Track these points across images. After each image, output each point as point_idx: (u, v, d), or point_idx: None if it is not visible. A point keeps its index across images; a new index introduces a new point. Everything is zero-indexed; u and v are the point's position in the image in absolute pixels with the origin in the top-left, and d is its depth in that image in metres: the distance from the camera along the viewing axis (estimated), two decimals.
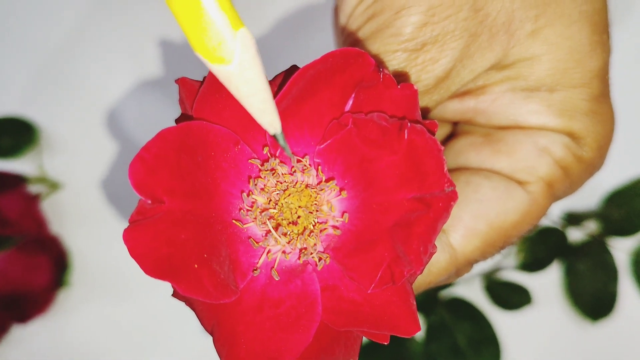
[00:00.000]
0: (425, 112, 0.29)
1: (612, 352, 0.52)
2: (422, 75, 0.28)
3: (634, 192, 0.51)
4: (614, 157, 0.32)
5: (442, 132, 0.34)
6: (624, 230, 0.51)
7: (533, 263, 0.51)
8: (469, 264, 0.29)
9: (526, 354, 0.51)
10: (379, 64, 0.27)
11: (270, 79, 0.25)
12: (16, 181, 0.49)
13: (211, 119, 0.25)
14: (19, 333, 0.50)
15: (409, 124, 0.24)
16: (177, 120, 0.26)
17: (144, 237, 0.23)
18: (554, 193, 0.29)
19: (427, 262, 0.24)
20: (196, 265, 0.23)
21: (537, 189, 0.29)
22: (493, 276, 0.52)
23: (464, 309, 0.50)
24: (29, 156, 0.51)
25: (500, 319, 0.50)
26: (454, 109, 0.31)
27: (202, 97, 0.25)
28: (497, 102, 0.30)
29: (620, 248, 0.52)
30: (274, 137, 0.23)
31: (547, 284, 0.52)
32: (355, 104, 0.25)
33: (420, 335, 0.50)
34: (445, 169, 0.24)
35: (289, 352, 0.24)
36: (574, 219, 0.52)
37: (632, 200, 0.51)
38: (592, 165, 0.30)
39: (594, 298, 0.51)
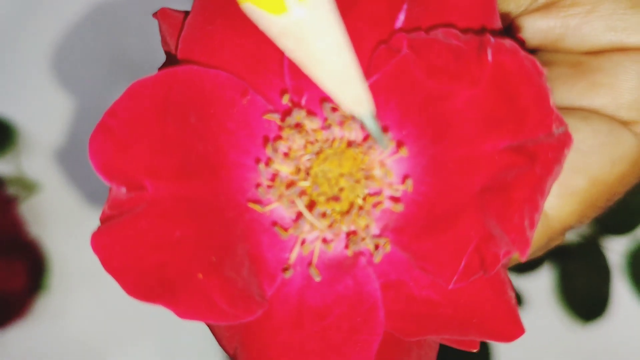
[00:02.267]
0: (507, 20, 0.21)
1: (604, 354, 0.51)
2: None
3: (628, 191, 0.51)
4: None
5: None
6: (618, 229, 0.50)
7: (524, 264, 0.48)
8: (564, 231, 0.22)
9: (517, 356, 0.49)
10: None
11: None
12: None
13: (205, 60, 0.17)
14: None
15: (492, 40, 0.16)
16: (160, 69, 0.19)
17: (120, 243, 0.16)
18: None
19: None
20: (201, 275, 0.16)
21: None
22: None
23: None
24: (7, 158, 0.50)
25: None
26: (536, 27, 0.24)
27: (190, 31, 0.18)
28: (593, 13, 0.23)
29: (614, 249, 0.50)
30: (361, 120, 0.16)
31: (539, 286, 0.51)
32: (409, 17, 0.17)
33: None
34: (552, 101, 0.16)
35: None
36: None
37: (625, 200, 0.51)
38: None
39: (586, 299, 0.50)
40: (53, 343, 0.49)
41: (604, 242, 0.50)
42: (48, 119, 0.51)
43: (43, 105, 0.51)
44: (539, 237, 0.22)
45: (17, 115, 0.50)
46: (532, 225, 0.16)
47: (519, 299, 0.48)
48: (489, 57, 0.16)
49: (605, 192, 0.23)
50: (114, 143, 0.15)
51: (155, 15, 0.19)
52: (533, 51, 0.26)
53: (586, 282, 0.50)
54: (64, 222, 0.50)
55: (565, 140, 0.16)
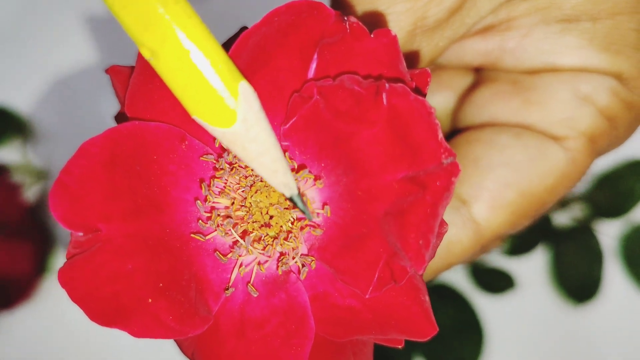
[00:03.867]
0: (414, 58, 0.23)
1: (596, 336, 0.51)
2: (430, 9, 0.22)
3: (620, 174, 0.51)
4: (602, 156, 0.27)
5: (462, 81, 0.28)
6: (611, 212, 0.50)
7: (517, 247, 0.50)
8: (498, 238, 0.25)
9: (510, 338, 0.51)
10: (343, 12, 0.21)
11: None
12: None
13: (148, 114, 0.20)
14: (5, 320, 0.50)
15: (386, 85, 0.19)
16: (115, 118, 0.22)
17: (82, 276, 0.19)
18: (597, 149, 0.24)
19: (431, 257, 0.19)
20: (150, 300, 0.19)
21: (576, 145, 0.24)
22: (477, 260, 0.51)
23: (448, 294, 0.49)
24: (13, 146, 0.50)
25: (484, 304, 0.50)
26: (476, 49, 0.25)
27: (134, 89, 0.20)
28: (527, 38, 0.24)
29: (607, 232, 0.51)
30: (290, 199, 0.19)
31: (532, 268, 0.51)
32: (319, 66, 0.20)
33: None
34: (440, 135, 0.19)
35: None
36: (560, 202, 0.51)
37: (618, 183, 0.50)
38: None
39: (579, 282, 0.50)
40: (58, 323, 0.50)
41: (597, 225, 0.51)
42: (53, 108, 0.51)
43: (48, 93, 0.52)
44: (471, 245, 0.25)
45: (23, 104, 0.51)
46: (427, 244, 0.19)
47: (512, 281, 0.49)
48: (384, 101, 0.19)
49: (535, 204, 0.25)
50: (69, 197, 0.18)
51: (107, 71, 0.22)
52: (478, 70, 0.28)
53: (579, 265, 0.50)
54: None
55: (452, 170, 0.18)
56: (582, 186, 0.52)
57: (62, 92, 0.51)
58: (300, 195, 0.20)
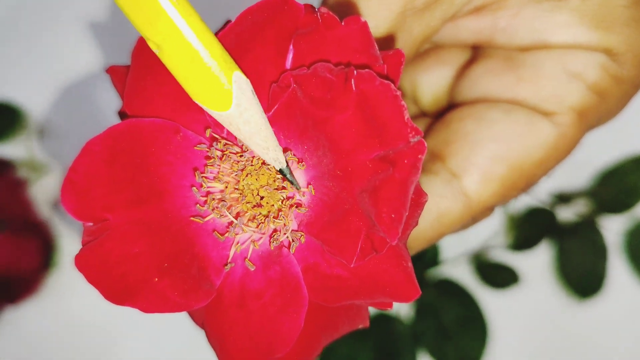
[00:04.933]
0: (390, 42, 0.24)
1: (600, 331, 0.51)
2: None
3: (624, 169, 0.50)
4: (604, 134, 0.28)
5: (460, 57, 0.29)
6: (615, 208, 0.51)
7: (521, 242, 0.50)
8: (488, 210, 0.26)
9: (514, 333, 0.51)
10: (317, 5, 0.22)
11: None
12: (4, 166, 0.50)
13: (144, 110, 0.22)
14: (11, 315, 0.51)
15: (354, 72, 0.20)
16: (118, 113, 0.24)
17: (95, 261, 0.21)
18: (587, 122, 0.25)
19: (413, 226, 0.21)
20: (156, 279, 0.21)
21: (566, 120, 0.24)
22: (481, 255, 0.51)
23: (452, 289, 0.49)
24: (18, 141, 0.51)
25: (488, 299, 0.50)
26: (469, 28, 0.26)
27: (130, 88, 0.22)
28: (518, 16, 0.25)
29: (610, 228, 0.51)
30: (280, 172, 0.22)
31: (536, 264, 0.51)
32: (296, 56, 0.21)
33: (407, 315, 0.50)
34: (407, 116, 0.20)
35: (281, 342, 0.22)
36: (564, 197, 0.51)
37: (623, 178, 0.50)
38: (634, 85, 0.25)
39: (583, 277, 0.51)
40: (62, 318, 0.51)
41: (601, 220, 0.51)
42: (58, 103, 0.52)
43: (53, 89, 0.52)
44: (461, 216, 0.26)
45: (27, 100, 0.51)
46: (399, 218, 0.20)
47: (516, 277, 0.50)
48: (353, 87, 0.20)
49: (524, 177, 0.25)
50: (77, 192, 0.21)
51: (107, 71, 0.24)
52: (474, 47, 0.28)
53: (583, 260, 0.50)
54: None
55: (419, 148, 0.20)
56: (587, 182, 0.52)
57: (67, 89, 0.52)
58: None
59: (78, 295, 0.51)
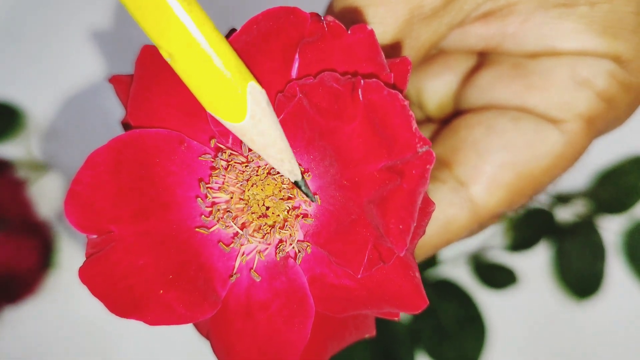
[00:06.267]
0: (397, 48, 0.24)
1: (598, 331, 0.51)
2: None
3: (623, 170, 0.51)
4: (604, 135, 0.27)
5: (466, 63, 0.29)
6: (614, 208, 0.51)
7: (520, 243, 0.51)
8: (494, 217, 0.26)
9: (513, 333, 0.51)
10: (325, 14, 0.22)
11: None
12: (3, 166, 0.50)
13: (148, 120, 0.22)
14: (10, 315, 0.51)
15: (362, 82, 0.20)
16: (122, 123, 0.24)
17: (100, 273, 0.21)
18: (595, 130, 0.25)
19: (420, 235, 0.21)
20: (162, 291, 0.21)
21: (574, 127, 0.24)
22: (479, 256, 0.51)
23: (450, 290, 0.50)
24: (17, 141, 0.51)
25: (487, 299, 0.50)
26: (477, 34, 0.26)
27: (134, 98, 0.22)
28: (527, 22, 0.25)
29: (609, 228, 0.51)
30: (295, 184, 0.22)
31: (535, 264, 0.52)
32: (302, 65, 0.21)
33: (405, 315, 0.49)
34: (414, 126, 0.20)
35: (288, 353, 0.22)
36: (562, 197, 0.51)
37: (621, 178, 0.51)
38: None
39: (581, 277, 0.51)
40: (62, 318, 0.51)
41: (599, 221, 0.52)
42: (57, 103, 0.52)
43: (52, 89, 0.52)
44: (468, 224, 0.26)
45: (26, 100, 0.52)
46: (407, 228, 0.20)
47: (514, 277, 0.50)
48: (361, 96, 0.20)
49: (532, 184, 0.25)
50: (81, 204, 0.21)
51: (109, 80, 0.23)
52: (481, 54, 0.28)
53: (581, 260, 0.51)
54: None
55: (427, 158, 0.19)
56: (585, 182, 0.52)
57: (71, 96, 0.52)
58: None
59: (78, 295, 0.51)
